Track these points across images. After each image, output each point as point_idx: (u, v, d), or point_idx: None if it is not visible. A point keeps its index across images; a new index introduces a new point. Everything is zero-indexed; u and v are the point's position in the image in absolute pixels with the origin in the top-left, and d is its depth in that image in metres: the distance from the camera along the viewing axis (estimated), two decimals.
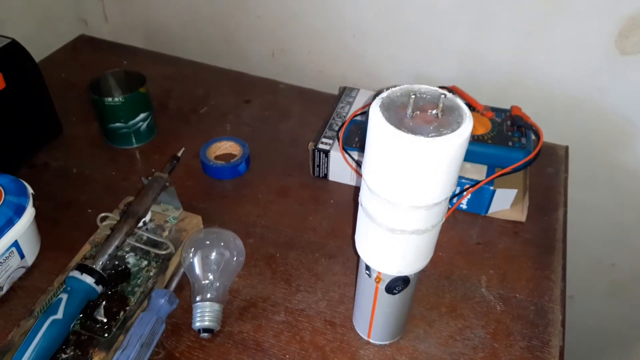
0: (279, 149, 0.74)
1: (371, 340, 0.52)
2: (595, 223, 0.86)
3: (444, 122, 0.33)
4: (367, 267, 0.44)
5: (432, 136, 0.31)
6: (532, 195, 0.65)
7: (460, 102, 0.34)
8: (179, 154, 0.60)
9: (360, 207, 0.40)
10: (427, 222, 0.37)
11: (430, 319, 0.54)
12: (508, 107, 0.67)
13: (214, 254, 0.53)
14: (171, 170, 0.58)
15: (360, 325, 0.52)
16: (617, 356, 1.03)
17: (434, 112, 0.33)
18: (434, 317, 0.54)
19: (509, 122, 0.65)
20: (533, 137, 0.64)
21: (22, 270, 0.55)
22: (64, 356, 0.47)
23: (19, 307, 0.52)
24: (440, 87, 0.35)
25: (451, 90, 0.66)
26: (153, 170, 0.69)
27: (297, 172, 0.70)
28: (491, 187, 0.61)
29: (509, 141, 0.62)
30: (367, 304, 0.47)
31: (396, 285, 0.44)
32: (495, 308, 0.55)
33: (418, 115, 0.33)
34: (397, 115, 0.33)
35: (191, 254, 0.53)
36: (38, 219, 0.58)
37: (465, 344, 0.52)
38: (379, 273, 0.43)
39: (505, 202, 0.63)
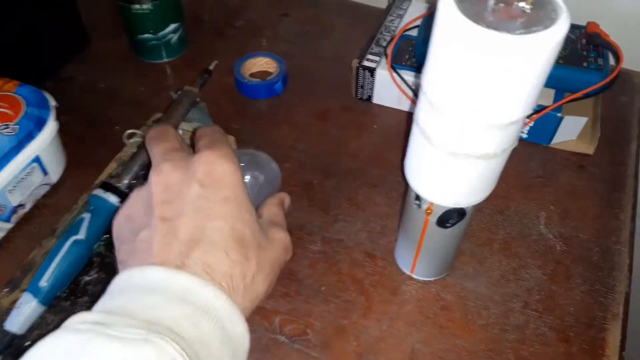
0: (319, 67, 0.67)
1: (414, 276, 0.47)
2: None
3: (534, 18, 0.26)
4: (418, 197, 0.39)
5: (519, 33, 0.25)
6: (603, 126, 0.58)
7: None
8: (211, 67, 0.54)
9: (415, 127, 0.34)
10: (499, 145, 0.31)
11: (481, 256, 0.49)
12: (584, 24, 0.58)
13: (247, 177, 0.48)
14: (202, 84, 0.53)
15: (404, 260, 0.47)
16: None
17: (522, 4, 0.27)
18: (485, 254, 0.49)
19: (584, 41, 0.56)
20: (611, 58, 0.56)
21: (46, 188, 0.53)
22: (87, 278, 0.44)
23: (43, 226, 0.50)
24: None
25: None
26: (184, 85, 0.64)
27: (339, 94, 0.63)
28: (559, 114, 0.54)
29: (583, 62, 0.54)
30: (414, 238, 0.43)
31: (450, 218, 0.39)
32: (554, 247, 0.50)
33: (502, 9, 0.27)
34: (474, 7, 0.26)
35: None
36: (63, 134, 0.54)
37: (518, 284, 0.47)
38: (431, 204, 0.38)
39: (572, 132, 0.56)
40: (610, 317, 0.46)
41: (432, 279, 0.47)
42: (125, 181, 0.47)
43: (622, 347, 0.44)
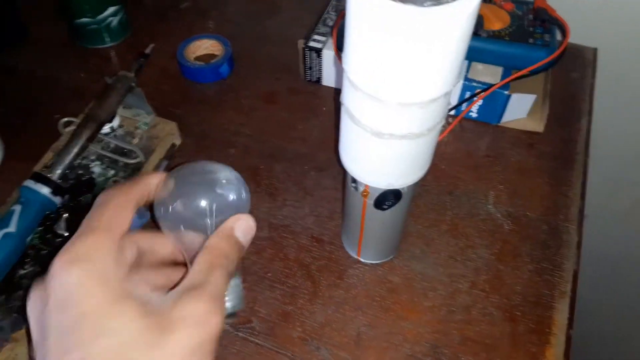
0: (266, 48, 0.65)
1: (361, 259, 0.47)
2: (618, 135, 0.78)
3: None
4: (354, 180, 0.38)
5: (428, 5, 0.24)
6: (553, 103, 0.57)
7: None
8: (148, 51, 0.52)
9: (342, 108, 0.33)
10: (422, 124, 0.30)
11: (429, 237, 0.49)
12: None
13: (203, 202, 0.30)
14: (139, 69, 0.51)
15: (350, 244, 0.47)
16: (632, 283, 0.99)
17: None
18: (433, 235, 0.49)
19: (530, 16, 0.56)
20: (558, 34, 0.55)
21: None
22: (22, 272, 0.43)
23: None
24: None
25: None
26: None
27: (286, 76, 0.62)
28: (506, 92, 0.53)
29: (529, 38, 0.53)
30: (355, 221, 0.42)
31: (386, 200, 0.38)
32: (502, 227, 0.49)
33: None
34: None
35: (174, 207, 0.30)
36: (1, 126, 0.52)
37: (466, 265, 0.47)
38: (367, 186, 0.37)
39: (521, 110, 0.55)
40: (558, 295, 0.45)
41: (379, 261, 0.47)
42: (58, 171, 0.45)
43: (570, 325, 0.44)
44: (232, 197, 0.30)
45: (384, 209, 0.39)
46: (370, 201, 0.38)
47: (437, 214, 0.50)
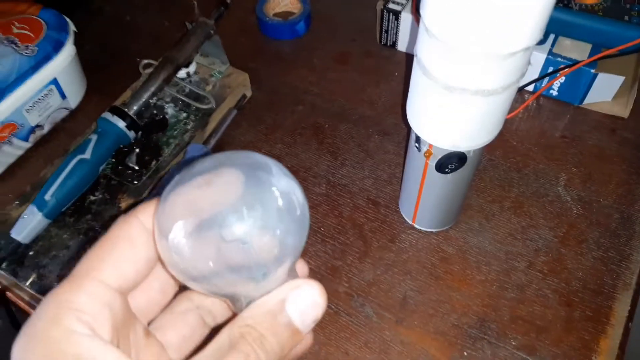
0: (344, 9, 0.65)
1: (416, 225, 0.46)
2: None
3: None
4: (417, 139, 0.37)
5: None
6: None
7: None
8: (229, 0, 0.53)
9: (414, 60, 0.32)
10: (498, 80, 0.29)
11: (490, 212, 0.47)
12: None
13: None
14: (218, 17, 0.52)
15: (406, 208, 0.46)
16: None
17: None
18: (495, 210, 0.47)
19: None
20: None
21: (65, 112, 0.54)
22: (92, 198, 0.46)
23: (59, 148, 0.51)
24: None
25: None
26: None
27: (362, 38, 0.61)
28: (593, 70, 0.50)
29: (625, 15, 0.49)
30: (414, 184, 0.41)
31: (449, 163, 0.37)
32: (570, 210, 0.47)
33: None
34: None
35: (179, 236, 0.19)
36: (86, 63, 0.56)
37: (526, 244, 0.45)
38: (430, 146, 0.36)
39: (607, 92, 0.52)
40: (622, 285, 0.43)
41: (434, 230, 0.46)
42: (134, 108, 0.47)
43: (630, 318, 0.42)
44: (291, 227, 0.18)
45: (445, 173, 0.38)
46: (433, 163, 0.37)
47: (502, 190, 0.48)
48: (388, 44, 0.59)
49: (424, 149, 0.37)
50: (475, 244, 0.45)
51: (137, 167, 0.47)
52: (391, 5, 0.56)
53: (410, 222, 0.46)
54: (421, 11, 0.29)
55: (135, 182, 0.46)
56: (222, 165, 0.19)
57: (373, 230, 0.46)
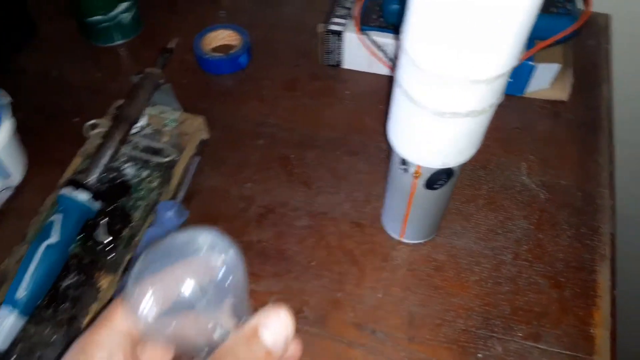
0: (283, 35, 0.64)
1: (404, 240, 0.47)
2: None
3: None
4: (404, 162, 0.38)
5: None
6: (573, 72, 0.58)
7: None
8: (172, 45, 0.51)
9: (397, 89, 0.33)
10: (487, 100, 0.30)
11: (467, 212, 0.49)
12: None
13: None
14: (164, 64, 0.50)
15: (392, 225, 0.47)
16: None
17: None
18: (471, 210, 0.49)
19: None
20: (579, 2, 0.55)
21: (9, 192, 0.49)
22: (66, 283, 0.42)
23: (12, 232, 0.47)
24: None
25: None
26: (142, 67, 0.60)
27: (306, 62, 0.61)
28: (531, 62, 0.53)
29: (551, 7, 0.53)
30: (401, 202, 0.42)
31: (439, 179, 0.38)
32: (538, 196, 0.50)
33: None
34: None
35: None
36: (21, 131, 0.51)
37: (507, 237, 0.47)
38: (419, 167, 0.37)
39: (545, 80, 0.56)
40: (599, 258, 0.46)
41: (422, 241, 0.47)
42: (94, 176, 0.44)
43: (613, 286, 0.45)
44: (223, 275, 0.23)
45: (435, 189, 0.39)
46: (421, 181, 0.38)
47: (473, 189, 0.50)
48: (332, 64, 0.60)
49: (412, 170, 0.38)
50: (462, 246, 0.47)
51: (108, 240, 0.44)
52: (333, 27, 0.56)
53: (397, 238, 0.47)
54: (405, 44, 0.29)
55: (110, 255, 0.43)
56: (169, 255, 0.24)
57: (364, 254, 0.47)
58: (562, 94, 0.56)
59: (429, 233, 0.46)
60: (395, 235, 0.47)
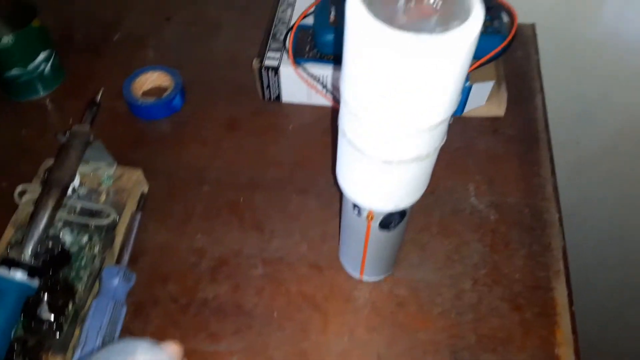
0: (216, 72, 0.62)
1: (364, 278, 0.46)
2: (562, 101, 0.81)
3: (447, 12, 0.25)
4: (355, 206, 0.37)
5: (438, 32, 0.23)
6: (507, 86, 0.59)
7: None
8: (98, 98, 0.48)
9: (342, 138, 0.32)
10: (430, 144, 0.30)
11: (422, 242, 0.49)
12: None
13: None
14: (92, 119, 0.47)
15: (350, 264, 0.46)
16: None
17: (432, 0, 0.25)
18: (426, 238, 0.49)
19: None
20: (505, 18, 0.56)
21: None
22: None
23: None
24: None
25: None
26: (71, 121, 0.57)
27: (245, 98, 0.59)
28: (467, 83, 0.54)
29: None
30: (358, 243, 0.41)
31: (392, 220, 0.37)
32: (488, 218, 0.50)
33: (413, 8, 0.25)
34: (385, 9, 0.24)
35: None
36: None
37: (464, 263, 0.47)
38: (371, 211, 0.36)
39: (481, 98, 0.56)
40: (553, 274, 0.47)
41: (382, 277, 0.46)
42: (29, 250, 0.40)
43: (571, 302, 0.45)
44: None
45: (389, 229, 0.38)
46: (375, 223, 0.37)
47: (425, 216, 0.50)
48: (272, 98, 0.58)
49: (365, 214, 0.37)
50: (421, 277, 0.47)
51: (52, 318, 0.40)
52: (268, 62, 0.55)
53: (358, 277, 0.46)
54: (348, 99, 0.28)
55: (57, 334, 0.40)
56: None
57: (326, 297, 0.45)
58: (498, 109, 0.57)
59: (387, 268, 0.46)
60: (355, 274, 0.46)
